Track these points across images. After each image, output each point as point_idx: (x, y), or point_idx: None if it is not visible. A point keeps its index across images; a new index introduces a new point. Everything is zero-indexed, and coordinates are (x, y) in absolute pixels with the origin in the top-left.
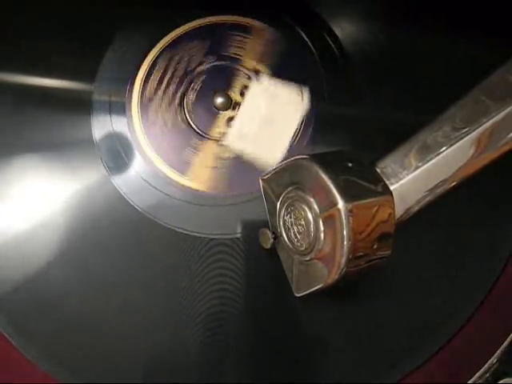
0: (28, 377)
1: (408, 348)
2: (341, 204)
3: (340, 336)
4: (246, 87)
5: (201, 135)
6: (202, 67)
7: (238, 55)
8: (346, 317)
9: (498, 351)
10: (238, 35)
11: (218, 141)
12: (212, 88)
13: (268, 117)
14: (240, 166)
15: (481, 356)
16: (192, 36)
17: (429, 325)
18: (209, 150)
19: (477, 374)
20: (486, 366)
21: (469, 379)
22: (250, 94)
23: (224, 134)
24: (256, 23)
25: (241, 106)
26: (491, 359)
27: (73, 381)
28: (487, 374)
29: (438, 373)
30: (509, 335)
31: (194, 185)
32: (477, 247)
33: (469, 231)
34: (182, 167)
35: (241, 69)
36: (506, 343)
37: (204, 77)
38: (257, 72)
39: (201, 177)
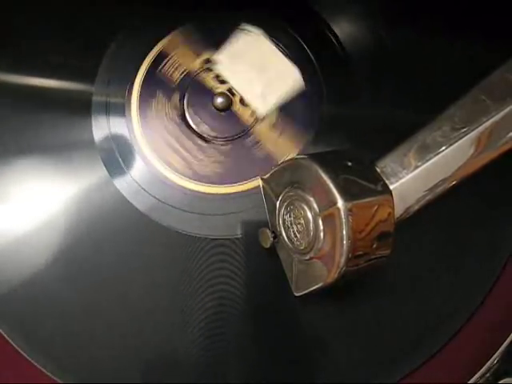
0: (28, 377)
1: (408, 348)
2: (340, 203)
3: (340, 336)
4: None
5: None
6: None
7: None
8: (346, 317)
9: (498, 351)
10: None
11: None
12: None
13: (258, 69)
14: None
15: (481, 356)
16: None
17: (429, 325)
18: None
19: (477, 374)
20: (486, 366)
21: (469, 379)
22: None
23: (254, 113)
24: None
25: (233, 86)
26: (491, 359)
27: (73, 381)
28: (487, 374)
29: (437, 373)
30: (509, 335)
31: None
32: (477, 247)
33: (469, 231)
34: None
35: None
36: (506, 343)
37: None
38: None
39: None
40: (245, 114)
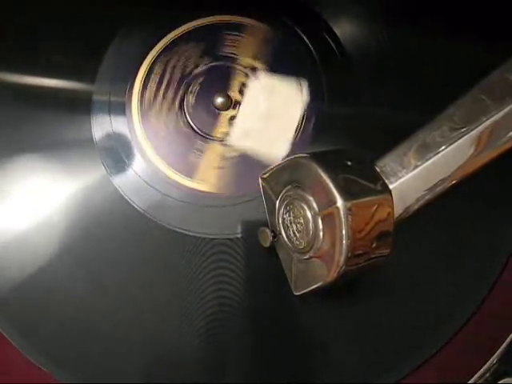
0: (28, 377)
1: (408, 348)
2: (340, 202)
3: (340, 336)
4: (244, 85)
5: (202, 136)
6: (199, 68)
7: (234, 54)
8: (346, 317)
9: (498, 351)
10: (232, 34)
11: (219, 141)
12: (211, 88)
13: (269, 112)
14: (240, 166)
15: (481, 356)
16: (188, 38)
17: (429, 325)
18: (210, 151)
19: (477, 374)
20: (486, 366)
21: (469, 379)
22: (248, 92)
23: (227, 133)
24: (249, 21)
25: (241, 104)
26: (491, 359)
27: (73, 381)
28: (487, 374)
29: (438, 373)
30: (509, 335)
31: (193, 185)
32: (477, 247)
33: (469, 231)
34: (182, 167)
35: (238, 67)
36: (505, 343)
37: (202, 78)
38: (254, 69)
39: (200, 177)
40: None
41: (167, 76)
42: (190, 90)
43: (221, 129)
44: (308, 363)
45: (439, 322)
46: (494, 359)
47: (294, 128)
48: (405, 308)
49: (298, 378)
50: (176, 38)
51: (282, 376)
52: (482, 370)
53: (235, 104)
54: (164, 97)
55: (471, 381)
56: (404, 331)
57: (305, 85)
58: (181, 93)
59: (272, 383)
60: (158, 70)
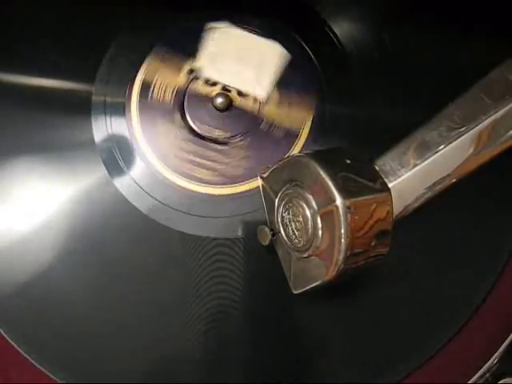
0: (28, 377)
1: (408, 348)
2: (339, 201)
3: (340, 336)
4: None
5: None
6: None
7: None
8: (346, 317)
9: (498, 351)
10: None
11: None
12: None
13: (241, 59)
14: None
15: (481, 356)
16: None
17: (429, 325)
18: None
19: (477, 374)
20: (486, 366)
21: (469, 379)
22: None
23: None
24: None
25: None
26: (491, 359)
27: (73, 381)
28: (487, 374)
29: (438, 373)
30: (509, 335)
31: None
32: (477, 247)
33: (469, 231)
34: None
35: None
36: (505, 343)
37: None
38: None
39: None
40: (248, 104)
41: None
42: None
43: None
44: (308, 363)
45: (439, 321)
46: (494, 359)
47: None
48: (405, 308)
49: (297, 377)
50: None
51: (281, 376)
52: (482, 370)
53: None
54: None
55: (471, 381)
56: (404, 331)
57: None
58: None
59: (272, 383)
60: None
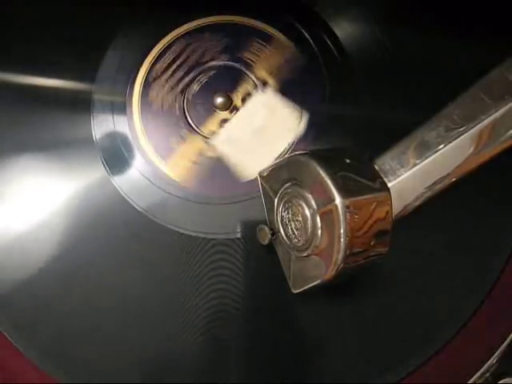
0: (28, 377)
1: (408, 348)
2: (338, 200)
3: (340, 336)
4: (249, 94)
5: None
6: (213, 62)
7: (252, 61)
8: (346, 317)
9: (498, 351)
10: (258, 42)
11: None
12: (217, 86)
13: (261, 129)
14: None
15: (481, 356)
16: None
17: (429, 325)
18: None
19: (477, 374)
20: (486, 366)
21: (469, 379)
22: (251, 102)
23: (214, 132)
24: (280, 36)
25: (239, 111)
26: (491, 359)
27: (73, 381)
28: (487, 374)
29: (437, 373)
30: (509, 335)
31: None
32: (477, 247)
33: (469, 231)
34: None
35: (250, 75)
36: (505, 343)
37: (212, 73)
38: (264, 82)
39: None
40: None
41: (171, 69)
42: (189, 90)
43: (209, 126)
44: (307, 363)
45: (439, 322)
46: (493, 359)
47: (278, 153)
48: (405, 308)
49: (297, 377)
50: (181, 34)
51: (281, 376)
52: (482, 369)
53: (233, 108)
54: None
55: (471, 381)
56: (404, 331)
57: (305, 113)
58: (185, 83)
59: (272, 383)
60: (163, 61)
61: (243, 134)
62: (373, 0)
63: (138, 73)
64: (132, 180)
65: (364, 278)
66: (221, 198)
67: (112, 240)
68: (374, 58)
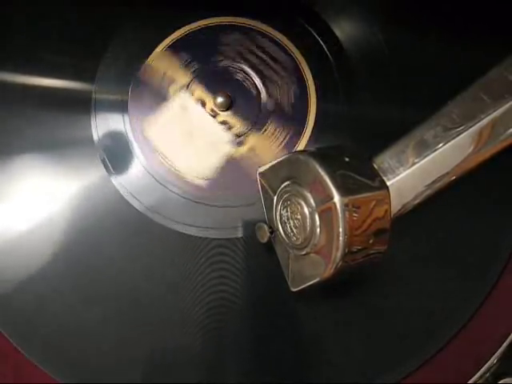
0: (28, 377)
1: (408, 348)
2: (337, 198)
3: (340, 336)
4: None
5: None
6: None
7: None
8: (347, 317)
9: (498, 351)
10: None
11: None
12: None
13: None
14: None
15: (481, 356)
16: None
17: (429, 325)
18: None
19: (477, 374)
20: (486, 366)
21: (469, 379)
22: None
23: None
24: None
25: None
26: (491, 359)
27: (73, 381)
28: (487, 374)
29: (438, 373)
30: (509, 335)
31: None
32: (477, 247)
33: (470, 231)
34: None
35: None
36: (506, 343)
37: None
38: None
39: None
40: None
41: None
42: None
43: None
44: (308, 363)
45: (439, 321)
46: (494, 359)
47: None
48: (405, 307)
49: (297, 377)
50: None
51: (281, 376)
52: (482, 370)
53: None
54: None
55: (471, 381)
56: (404, 331)
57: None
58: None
59: (272, 383)
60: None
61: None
62: (373, 0)
63: (138, 72)
64: (132, 180)
65: (364, 278)
66: (221, 198)
67: (112, 240)
68: (374, 58)
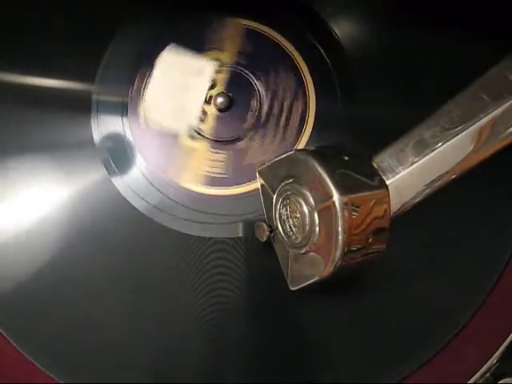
0: (28, 377)
1: (408, 348)
2: (336, 197)
3: (340, 336)
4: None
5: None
6: None
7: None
8: (347, 317)
9: (498, 351)
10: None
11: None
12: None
13: (179, 87)
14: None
15: (481, 356)
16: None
17: (429, 325)
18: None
19: (477, 374)
20: (486, 366)
21: (469, 379)
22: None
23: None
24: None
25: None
26: (491, 359)
27: (73, 381)
28: (487, 374)
29: (438, 373)
30: (509, 335)
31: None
32: (477, 247)
33: (469, 231)
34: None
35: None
36: (506, 343)
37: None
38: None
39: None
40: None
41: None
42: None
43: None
44: (308, 363)
45: (439, 321)
46: (493, 359)
47: (200, 104)
48: (405, 308)
49: (297, 377)
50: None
51: (282, 376)
52: (482, 370)
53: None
54: (166, 97)
55: (471, 381)
56: (404, 331)
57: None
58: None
59: (272, 383)
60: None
61: (163, 96)
62: (372, 0)
63: (138, 73)
64: (132, 181)
65: (364, 278)
66: (221, 197)
67: (112, 240)
68: (374, 58)
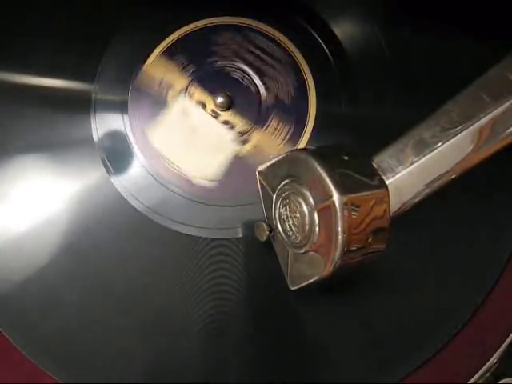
0: (28, 376)
1: (408, 348)
2: (336, 196)
3: (340, 336)
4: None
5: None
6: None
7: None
8: (347, 317)
9: (498, 351)
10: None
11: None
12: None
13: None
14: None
15: (481, 356)
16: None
17: (429, 325)
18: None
19: (477, 374)
20: (486, 366)
21: (469, 379)
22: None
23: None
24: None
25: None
26: (491, 359)
27: (73, 381)
28: (487, 374)
29: (438, 373)
30: (509, 335)
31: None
32: (477, 247)
33: (469, 231)
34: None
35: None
36: (506, 343)
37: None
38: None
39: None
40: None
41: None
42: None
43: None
44: (308, 363)
45: (439, 321)
46: (493, 359)
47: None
48: (405, 308)
49: (297, 377)
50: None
51: (281, 376)
52: (482, 369)
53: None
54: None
55: (471, 381)
56: (404, 331)
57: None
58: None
59: (272, 383)
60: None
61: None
62: (372, 0)
63: (138, 72)
64: (132, 180)
65: (364, 278)
66: (221, 198)
67: (112, 240)
68: (374, 58)
